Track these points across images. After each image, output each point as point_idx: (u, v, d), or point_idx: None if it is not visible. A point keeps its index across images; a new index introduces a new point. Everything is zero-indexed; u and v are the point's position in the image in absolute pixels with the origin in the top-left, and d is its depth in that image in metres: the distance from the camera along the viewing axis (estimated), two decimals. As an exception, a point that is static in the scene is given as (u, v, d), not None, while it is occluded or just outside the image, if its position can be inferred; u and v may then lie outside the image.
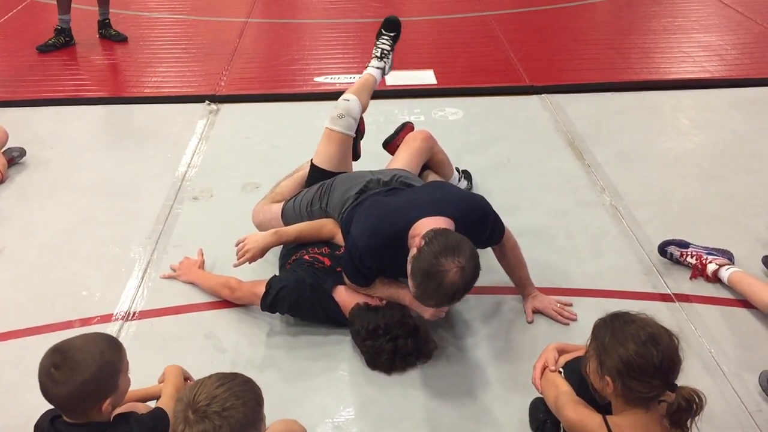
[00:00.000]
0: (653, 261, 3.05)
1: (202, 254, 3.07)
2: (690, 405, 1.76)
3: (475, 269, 2.26)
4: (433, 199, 2.57)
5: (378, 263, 2.50)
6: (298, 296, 2.60)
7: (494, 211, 2.64)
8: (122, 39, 5.52)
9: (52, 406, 1.88)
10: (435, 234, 2.27)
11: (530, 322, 2.70)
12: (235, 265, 2.75)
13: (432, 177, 3.23)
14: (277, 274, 2.82)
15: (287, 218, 2.98)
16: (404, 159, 3.12)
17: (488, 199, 3.45)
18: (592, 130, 4.21)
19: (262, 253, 2.75)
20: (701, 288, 2.89)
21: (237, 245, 2.77)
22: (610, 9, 6.53)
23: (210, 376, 1.68)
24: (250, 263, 2.75)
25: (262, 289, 2.64)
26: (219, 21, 6.11)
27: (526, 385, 2.21)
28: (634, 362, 1.73)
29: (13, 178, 3.76)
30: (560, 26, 5.97)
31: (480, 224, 2.56)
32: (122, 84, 4.96)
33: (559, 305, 2.76)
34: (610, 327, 1.81)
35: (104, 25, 5.54)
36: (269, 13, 6.39)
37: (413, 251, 2.29)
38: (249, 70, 5.11)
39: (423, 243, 2.26)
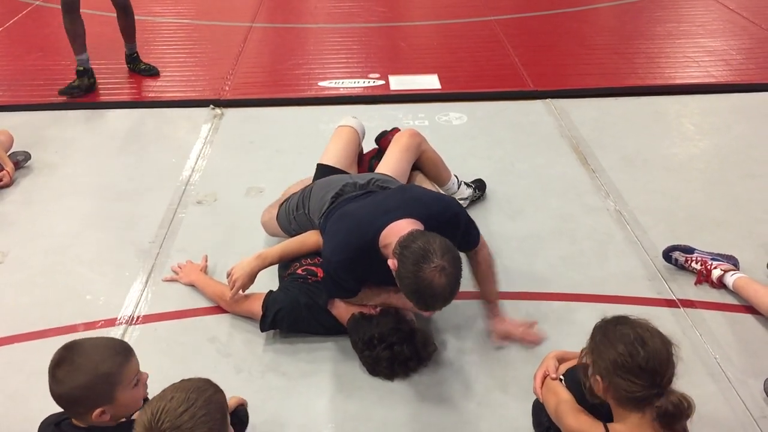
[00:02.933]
0: (658, 266, 3.04)
1: (206, 260, 3.07)
2: (678, 410, 1.76)
3: (455, 260, 2.25)
4: (401, 202, 2.55)
5: (354, 275, 2.49)
6: (295, 318, 2.62)
7: (467, 214, 2.63)
8: (154, 73, 5.05)
9: (55, 411, 1.89)
10: (401, 248, 2.25)
11: (496, 345, 2.64)
12: (231, 298, 2.71)
13: (420, 178, 3.23)
14: (278, 283, 2.83)
15: (280, 221, 3.00)
16: (395, 156, 3.11)
17: (493, 204, 3.51)
18: (596, 134, 4.21)
19: (250, 279, 2.70)
20: (706, 294, 2.88)
21: (227, 276, 2.75)
22: (614, 14, 6.53)
23: (171, 396, 1.61)
24: (243, 291, 2.73)
25: (257, 307, 2.65)
26: (223, 26, 6.13)
27: (529, 389, 2.20)
28: (620, 360, 1.77)
29: (18, 182, 3.76)
30: (565, 31, 5.97)
31: (452, 225, 2.51)
32: (127, 88, 4.96)
33: (521, 328, 2.67)
34: (604, 329, 1.86)
35: (132, 59, 5.09)
36: (274, 18, 6.41)
37: (393, 268, 2.29)
38: (253, 75, 5.11)
39: (396, 261, 2.26)
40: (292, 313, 2.61)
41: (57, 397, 1.79)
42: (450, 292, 2.25)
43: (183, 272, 3.00)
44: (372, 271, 2.46)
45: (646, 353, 1.75)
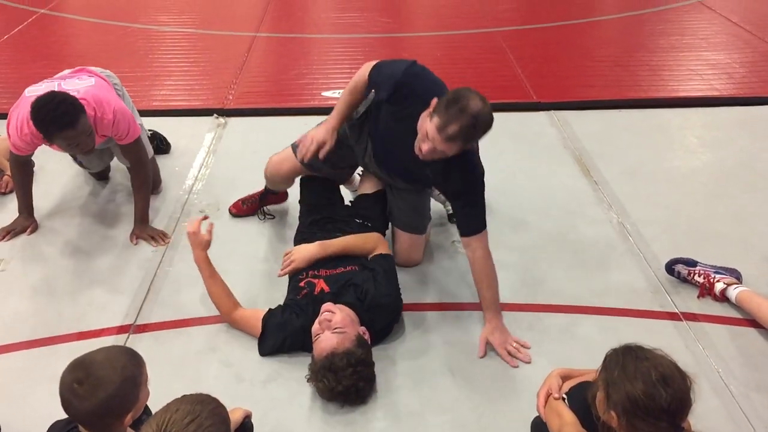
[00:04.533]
0: (660, 279, 3.04)
1: (211, 232, 2.81)
2: None
3: (492, 113, 2.45)
4: None
5: (403, 92, 2.67)
6: (300, 346, 2.61)
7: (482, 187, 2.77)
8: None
9: (58, 418, 1.88)
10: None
11: (481, 357, 2.62)
12: (280, 275, 2.84)
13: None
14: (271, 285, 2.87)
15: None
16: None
17: (495, 215, 3.51)
18: (599, 146, 4.21)
19: (307, 264, 2.81)
20: (709, 307, 2.87)
21: (284, 256, 2.86)
22: (617, 26, 6.55)
23: (177, 408, 1.61)
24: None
25: (256, 326, 2.66)
26: (228, 35, 6.15)
27: (531, 402, 2.20)
28: (641, 402, 1.68)
29: (20, 189, 3.76)
30: (568, 43, 5.99)
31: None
32: (130, 97, 4.97)
33: (515, 345, 2.65)
34: (621, 361, 1.76)
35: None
36: (278, 28, 6.43)
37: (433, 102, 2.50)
38: (257, 84, 5.13)
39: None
40: (292, 345, 2.62)
41: (87, 414, 1.76)
42: (476, 119, 2.41)
43: (190, 240, 2.78)
44: (408, 106, 2.65)
45: (668, 395, 1.67)
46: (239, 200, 3.52)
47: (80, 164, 3.70)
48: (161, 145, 4.21)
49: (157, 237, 3.32)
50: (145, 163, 3.43)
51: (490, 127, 2.50)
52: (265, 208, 3.50)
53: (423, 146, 2.52)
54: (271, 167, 3.24)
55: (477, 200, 2.71)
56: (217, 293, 2.75)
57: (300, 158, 2.99)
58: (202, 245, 2.75)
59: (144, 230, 3.34)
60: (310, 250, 2.83)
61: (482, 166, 2.76)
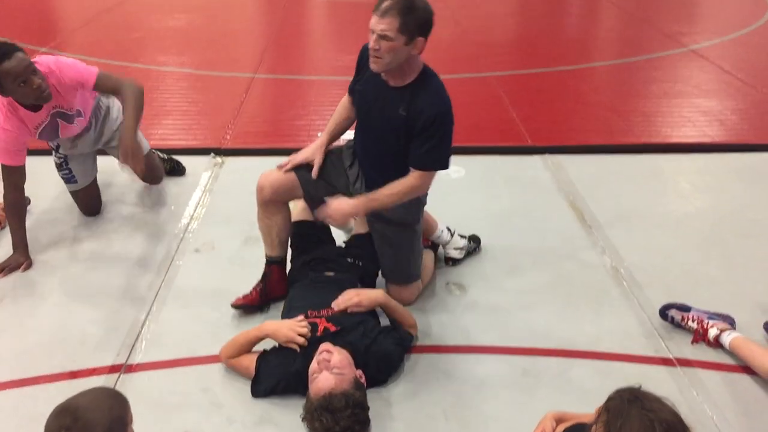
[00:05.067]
0: (654, 324, 3.04)
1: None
2: None
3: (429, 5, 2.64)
4: None
5: (363, 59, 2.83)
6: (293, 390, 2.59)
7: (448, 128, 2.81)
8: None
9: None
10: None
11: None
12: (340, 309, 2.75)
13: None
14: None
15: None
16: None
17: (489, 258, 3.51)
18: (593, 191, 4.24)
19: (372, 308, 2.82)
20: (703, 353, 2.87)
21: (345, 294, 2.80)
22: (611, 72, 6.65)
23: None
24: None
25: (251, 368, 2.65)
26: (226, 76, 6.22)
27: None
28: None
29: (16, 226, 3.76)
30: (562, 88, 6.07)
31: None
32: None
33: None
34: (626, 410, 1.74)
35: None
36: (276, 69, 6.51)
37: None
38: (254, 125, 5.17)
39: None
40: (286, 389, 2.61)
41: None
42: None
43: (302, 335, 2.65)
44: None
45: None
46: (242, 295, 3.14)
47: (69, 180, 3.80)
48: (177, 167, 4.37)
49: (138, 159, 3.28)
50: (123, 84, 3.37)
51: (428, 14, 2.62)
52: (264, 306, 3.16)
53: (370, 44, 2.62)
54: (262, 177, 3.15)
55: (436, 135, 2.75)
56: (240, 348, 2.72)
57: (279, 165, 3.08)
58: (288, 342, 2.64)
59: (130, 143, 3.25)
60: (376, 296, 2.84)
61: (449, 103, 2.84)
